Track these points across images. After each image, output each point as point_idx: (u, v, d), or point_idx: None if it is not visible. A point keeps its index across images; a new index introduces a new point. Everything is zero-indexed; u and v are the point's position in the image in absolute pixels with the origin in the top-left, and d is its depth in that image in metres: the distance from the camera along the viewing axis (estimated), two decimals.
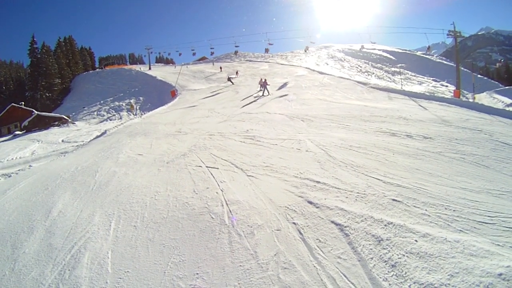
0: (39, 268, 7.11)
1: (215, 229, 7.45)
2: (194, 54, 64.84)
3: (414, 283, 5.17)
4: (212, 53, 73.05)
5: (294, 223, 7.31)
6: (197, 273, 6.02)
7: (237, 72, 62.22)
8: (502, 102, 44.75)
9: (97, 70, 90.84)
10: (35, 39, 77.13)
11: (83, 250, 7.45)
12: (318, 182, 9.43)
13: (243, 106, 27.89)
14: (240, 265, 6.07)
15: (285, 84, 40.73)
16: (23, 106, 57.70)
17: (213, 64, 79.89)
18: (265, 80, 34.67)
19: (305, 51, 76.89)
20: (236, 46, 60.38)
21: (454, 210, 7.34)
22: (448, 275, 5.26)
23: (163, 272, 6.21)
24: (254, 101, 30.41)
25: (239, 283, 5.63)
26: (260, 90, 34.77)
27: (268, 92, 33.22)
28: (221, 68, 65.29)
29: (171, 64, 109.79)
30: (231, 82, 47.93)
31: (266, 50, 62.09)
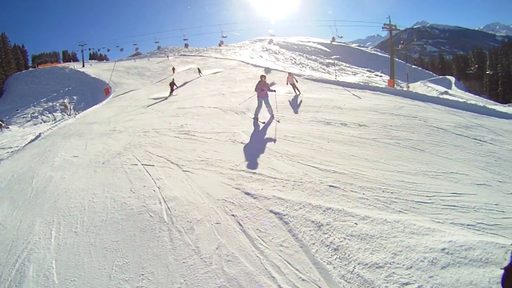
0: None
1: (155, 228, 7.53)
2: (122, 50, 64.13)
3: (359, 264, 5.44)
4: (136, 49, 72.85)
5: (233, 215, 7.49)
6: (142, 274, 6.09)
7: (173, 69, 60.72)
8: (436, 90, 46.76)
9: (30, 69, 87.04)
10: None
11: (27, 263, 7.32)
12: (254, 173, 9.66)
13: (177, 101, 27.72)
14: (184, 262, 6.18)
15: (218, 78, 40.52)
16: None
17: (149, 59, 78.59)
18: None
19: (219, 45, 76.91)
20: (156, 42, 60.19)
21: (392, 193, 7.71)
22: (392, 253, 5.56)
23: (109, 276, 6.23)
24: (187, 95, 30.39)
25: (185, 280, 5.73)
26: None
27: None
28: (174, 69, 62.13)
29: (105, 61, 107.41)
30: (172, 88, 35.10)
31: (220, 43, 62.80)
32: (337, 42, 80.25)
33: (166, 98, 31.36)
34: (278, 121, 15.38)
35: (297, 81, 24.43)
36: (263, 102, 16.02)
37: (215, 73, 44.57)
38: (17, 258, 7.61)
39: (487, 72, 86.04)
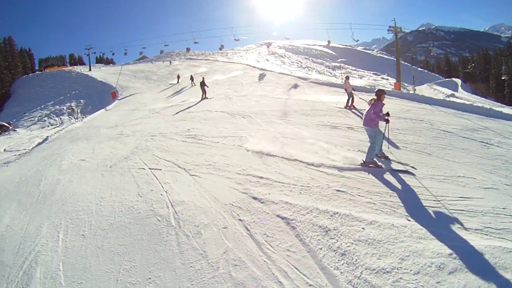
0: None
1: (162, 232, 7.56)
2: (125, 53, 64.22)
3: (366, 269, 5.42)
4: (141, 53, 72.93)
5: (240, 219, 7.49)
6: (149, 278, 6.12)
7: (178, 77, 54.67)
8: (443, 93, 46.46)
9: (37, 72, 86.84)
10: None
11: (35, 265, 7.41)
12: (261, 177, 9.66)
13: (184, 105, 27.81)
14: (191, 266, 6.19)
15: (226, 81, 40.47)
16: None
17: (170, 63, 77.91)
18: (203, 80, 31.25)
19: (220, 49, 76.13)
20: (165, 45, 59.70)
21: (399, 197, 7.68)
22: (399, 258, 5.54)
23: (116, 279, 6.28)
24: (193, 99, 30.34)
25: (192, 284, 5.75)
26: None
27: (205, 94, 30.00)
28: (178, 77, 57.47)
29: (111, 64, 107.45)
30: (204, 90, 31.01)
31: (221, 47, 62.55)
32: (343, 45, 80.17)
33: (198, 102, 28.72)
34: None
35: (354, 90, 19.20)
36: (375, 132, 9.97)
37: (235, 76, 44.00)
38: (24, 260, 7.70)
39: (503, 78, 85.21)
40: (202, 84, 31.12)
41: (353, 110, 17.60)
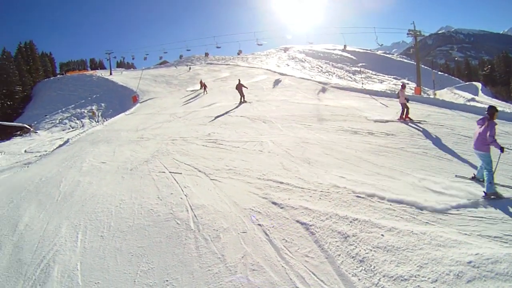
0: (9, 285, 7.13)
1: (181, 235, 7.56)
2: (145, 58, 64.74)
3: (384, 276, 5.36)
4: (161, 57, 73.44)
5: (259, 224, 7.45)
6: (166, 280, 6.11)
7: (201, 83, 44.70)
8: (463, 97, 45.84)
9: (58, 76, 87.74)
10: None
11: (52, 264, 7.46)
12: (281, 182, 9.62)
13: (204, 110, 27.71)
14: (209, 269, 6.18)
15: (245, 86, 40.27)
16: None
17: (190, 69, 77.73)
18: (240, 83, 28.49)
19: (238, 54, 75.46)
20: (188, 50, 60.00)
21: (418, 203, 7.54)
22: (417, 266, 5.47)
23: (133, 281, 6.29)
24: (214, 103, 30.27)
25: (208, 287, 5.72)
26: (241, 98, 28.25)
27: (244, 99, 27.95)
28: (201, 82, 50.96)
29: (132, 69, 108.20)
30: (242, 92, 28.83)
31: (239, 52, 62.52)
32: (363, 49, 79.72)
33: (239, 104, 27.22)
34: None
35: (408, 101, 16.59)
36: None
37: (258, 81, 43.05)
38: (42, 259, 7.78)
39: None
40: (239, 87, 28.50)
41: (410, 124, 15.56)
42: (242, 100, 28.13)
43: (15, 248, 8.61)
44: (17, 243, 8.87)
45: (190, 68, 75.58)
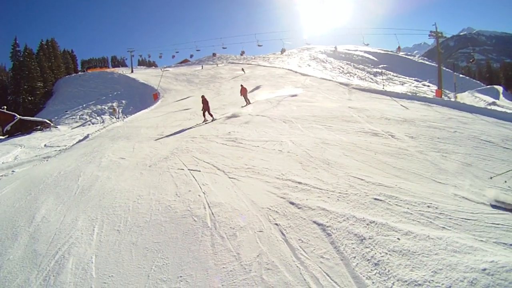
0: (24, 275, 7.16)
1: (198, 232, 7.50)
2: (173, 57, 64.66)
3: (398, 280, 5.24)
4: (191, 56, 73.19)
5: (276, 224, 7.35)
6: (180, 276, 6.07)
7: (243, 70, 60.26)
8: (484, 101, 45.13)
9: (80, 73, 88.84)
10: (17, 41, 76.26)
11: (67, 256, 7.50)
12: (299, 183, 9.49)
13: (225, 109, 27.70)
14: (223, 267, 6.12)
15: (267, 87, 40.33)
16: (5, 110, 56.05)
17: (202, 68, 78.02)
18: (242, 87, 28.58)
19: (282, 53, 75.37)
20: (223, 48, 60.09)
21: (436, 208, 7.43)
22: (432, 271, 5.33)
23: (147, 275, 6.26)
24: (235, 102, 30.17)
25: (222, 285, 5.68)
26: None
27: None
28: (243, 69, 61.00)
29: (153, 67, 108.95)
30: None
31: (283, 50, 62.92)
32: (384, 50, 79.19)
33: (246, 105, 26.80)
34: None
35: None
36: None
37: (293, 95, 39.63)
38: (57, 250, 7.85)
39: None
40: (243, 92, 28.30)
41: (428, 127, 15.85)
42: (247, 103, 28.14)
43: (30, 239, 8.70)
44: (33, 234, 8.96)
45: (202, 67, 76.28)
